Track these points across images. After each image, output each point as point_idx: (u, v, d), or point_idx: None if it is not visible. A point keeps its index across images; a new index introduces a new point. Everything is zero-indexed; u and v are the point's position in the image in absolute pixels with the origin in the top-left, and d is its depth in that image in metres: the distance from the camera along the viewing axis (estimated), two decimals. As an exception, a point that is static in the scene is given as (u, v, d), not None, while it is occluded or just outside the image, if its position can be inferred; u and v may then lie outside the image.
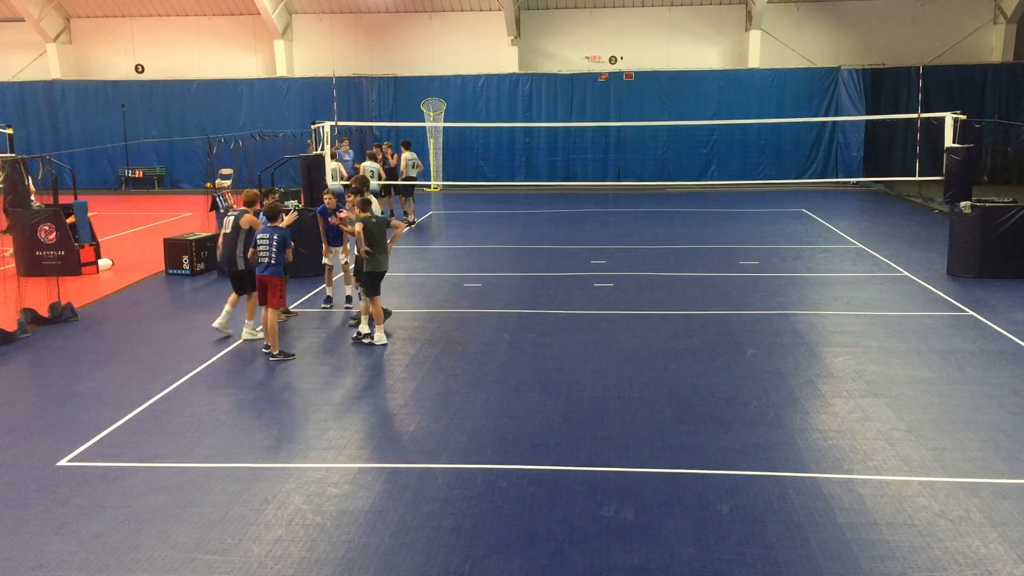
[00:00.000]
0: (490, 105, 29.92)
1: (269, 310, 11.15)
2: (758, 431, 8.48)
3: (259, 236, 11.17)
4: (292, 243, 11.28)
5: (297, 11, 31.22)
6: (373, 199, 12.29)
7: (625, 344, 11.44)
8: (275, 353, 11.07)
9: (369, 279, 11.57)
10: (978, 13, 29.38)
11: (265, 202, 12.24)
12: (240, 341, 11.76)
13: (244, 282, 11.90)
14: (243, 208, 12.27)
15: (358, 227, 11.31)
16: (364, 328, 11.76)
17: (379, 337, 11.63)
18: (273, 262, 11.04)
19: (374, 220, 11.59)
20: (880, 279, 15.12)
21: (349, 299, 13.53)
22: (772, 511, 6.88)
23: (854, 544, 6.36)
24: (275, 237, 11.03)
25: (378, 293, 11.60)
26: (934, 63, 28.61)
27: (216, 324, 12.01)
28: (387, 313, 12.22)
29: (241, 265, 11.81)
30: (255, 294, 11.69)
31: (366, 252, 11.35)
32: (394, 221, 11.92)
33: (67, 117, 31.22)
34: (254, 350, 11.46)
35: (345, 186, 13.10)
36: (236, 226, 11.88)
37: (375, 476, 7.66)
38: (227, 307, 12.09)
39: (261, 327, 11.61)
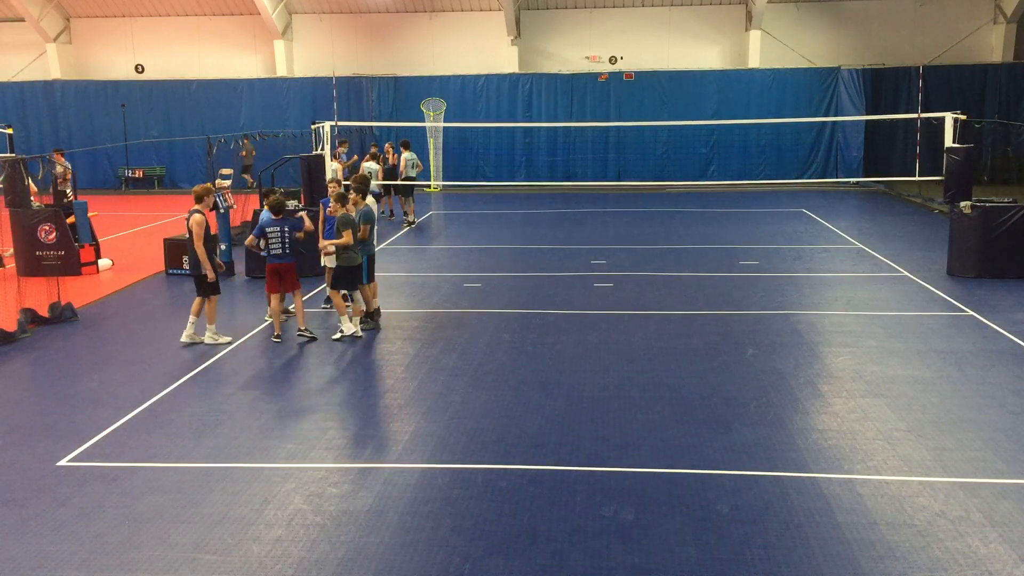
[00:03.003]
0: (490, 105, 29.93)
1: (296, 294, 11.94)
2: (758, 431, 8.48)
3: (269, 229, 11.63)
4: (303, 226, 11.95)
5: (297, 11, 31.22)
6: (352, 194, 12.25)
7: (625, 344, 11.44)
8: (302, 328, 11.81)
9: (339, 272, 11.79)
10: (978, 13, 29.39)
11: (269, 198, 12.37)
12: (239, 342, 11.75)
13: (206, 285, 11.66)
14: (195, 208, 11.70)
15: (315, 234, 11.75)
16: (347, 327, 11.81)
17: (348, 328, 11.81)
18: (288, 251, 11.72)
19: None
20: (880, 279, 15.12)
21: (347, 297, 13.52)
22: (772, 511, 6.88)
23: (854, 544, 6.36)
24: (286, 228, 11.68)
25: (344, 288, 11.81)
26: (934, 63, 28.62)
27: (184, 338, 11.75)
28: (370, 315, 12.24)
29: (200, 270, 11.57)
30: (215, 298, 11.69)
31: (329, 248, 11.81)
32: (345, 232, 11.67)
33: (67, 117, 31.23)
34: (252, 350, 11.47)
35: (346, 187, 13.11)
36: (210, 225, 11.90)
37: (375, 476, 7.66)
38: (192, 317, 11.75)
39: (218, 333, 11.79)
